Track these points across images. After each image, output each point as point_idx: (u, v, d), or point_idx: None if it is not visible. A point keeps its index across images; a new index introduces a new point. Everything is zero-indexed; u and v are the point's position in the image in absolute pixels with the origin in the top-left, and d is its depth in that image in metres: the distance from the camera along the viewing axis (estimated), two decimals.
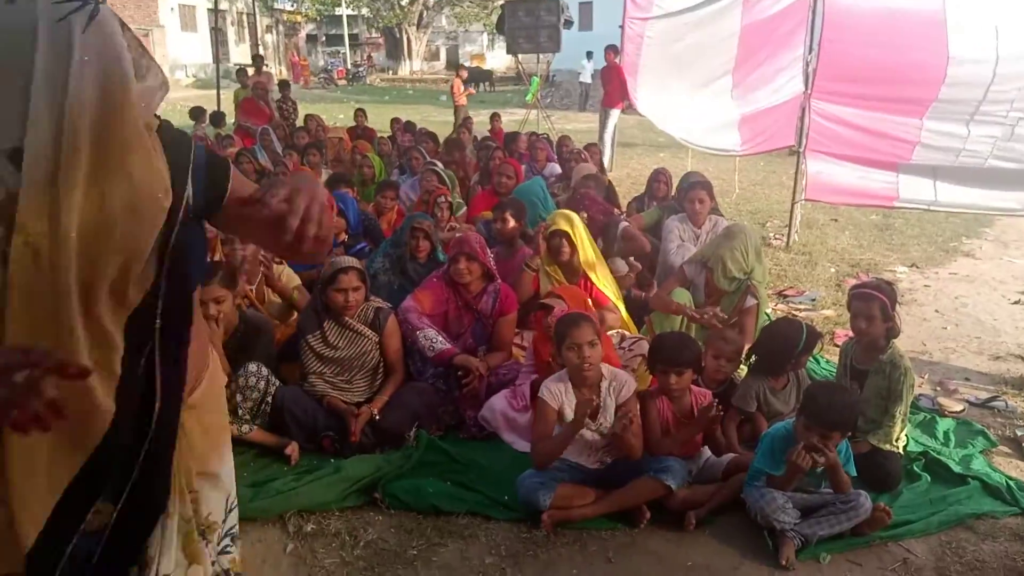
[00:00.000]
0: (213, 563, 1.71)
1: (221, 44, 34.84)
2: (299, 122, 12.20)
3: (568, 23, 17.27)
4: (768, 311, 5.60)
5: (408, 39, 44.55)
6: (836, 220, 8.78)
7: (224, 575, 1.77)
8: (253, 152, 8.39)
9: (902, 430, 3.63)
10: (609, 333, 4.52)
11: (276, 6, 44.52)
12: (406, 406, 3.84)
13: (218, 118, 10.78)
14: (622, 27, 11.14)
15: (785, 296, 6.15)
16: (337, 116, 19.26)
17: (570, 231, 4.49)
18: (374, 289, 4.41)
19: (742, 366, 3.87)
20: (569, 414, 3.28)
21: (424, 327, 4.04)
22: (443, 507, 3.31)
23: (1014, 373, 4.75)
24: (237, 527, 1.82)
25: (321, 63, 42.64)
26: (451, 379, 4.04)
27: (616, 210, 5.58)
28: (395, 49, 46.73)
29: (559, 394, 3.30)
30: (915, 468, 3.64)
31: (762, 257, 4.66)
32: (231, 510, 1.79)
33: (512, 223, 4.98)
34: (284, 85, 12.90)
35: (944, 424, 4.08)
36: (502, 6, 18.53)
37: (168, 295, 1.44)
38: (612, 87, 11.99)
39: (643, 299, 5.00)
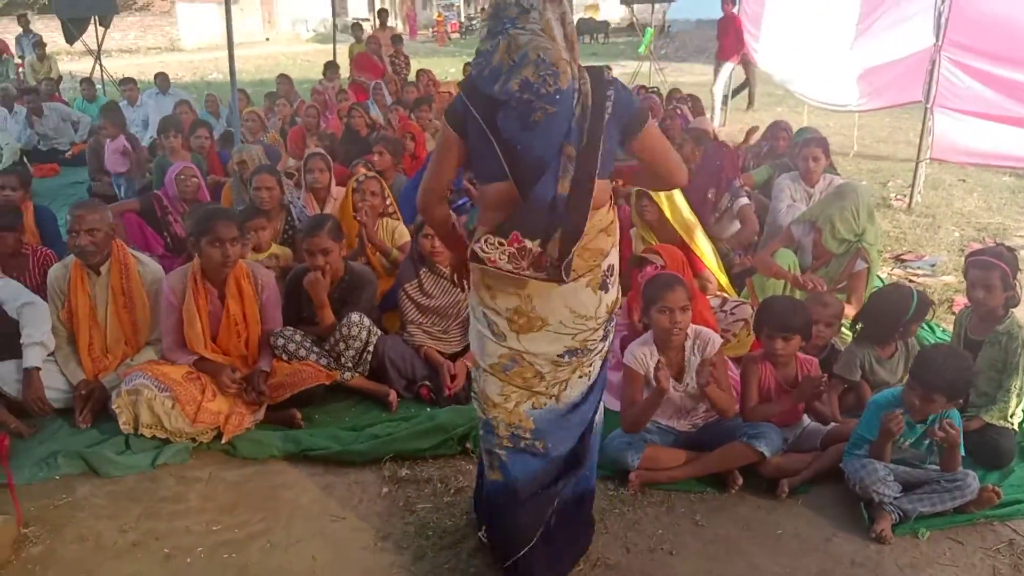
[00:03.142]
0: None
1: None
2: (411, 77, 12.35)
3: None
4: (882, 276, 5.37)
5: None
6: (964, 181, 8.23)
7: None
8: (365, 107, 8.53)
9: (1018, 405, 3.43)
10: (708, 297, 4.45)
11: None
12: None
13: (331, 69, 11.07)
14: None
15: (903, 261, 5.85)
16: (448, 70, 19.39)
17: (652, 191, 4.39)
18: None
19: (846, 332, 3.72)
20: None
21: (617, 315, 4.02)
22: None
23: None
24: None
25: (432, 16, 42.76)
26: None
27: (736, 179, 5.31)
28: None
29: (644, 358, 3.27)
30: None
31: (875, 219, 4.45)
32: None
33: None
34: (397, 40, 13.04)
35: None
36: None
37: None
38: (728, 39, 11.52)
39: (745, 264, 4.85)
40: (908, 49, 6.98)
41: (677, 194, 4.46)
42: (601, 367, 2.58)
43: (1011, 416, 3.41)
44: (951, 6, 6.39)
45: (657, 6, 18.35)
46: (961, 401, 2.97)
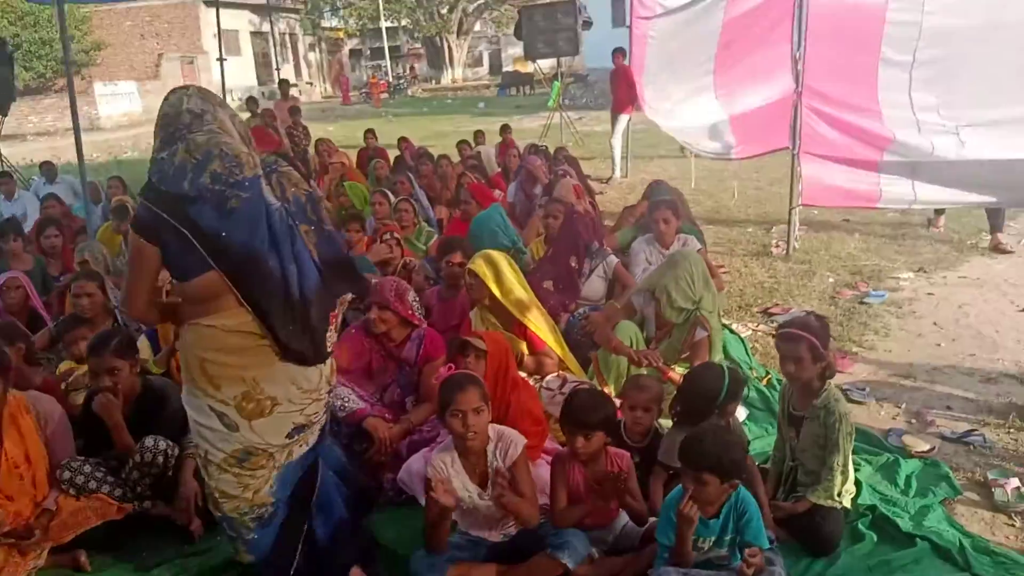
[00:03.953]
0: None
1: (265, 66, 35.42)
2: (311, 147, 12.15)
3: (587, 24, 17.00)
4: (744, 335, 5.24)
5: (449, 47, 44.62)
6: (847, 221, 8.25)
7: None
8: None
9: (844, 483, 3.26)
10: (549, 377, 4.26)
11: (323, 24, 45.07)
12: None
13: None
14: (629, 27, 10.82)
15: (771, 314, 5.74)
16: (383, 129, 19.28)
17: (485, 271, 4.21)
18: None
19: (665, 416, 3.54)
20: (459, 487, 3.03)
21: (336, 385, 3.82)
22: None
23: (1003, 398, 4.30)
24: None
25: (364, 78, 42.99)
26: (369, 439, 3.82)
27: (593, 243, 5.19)
28: (437, 58, 46.83)
29: (444, 467, 3.04)
30: (860, 526, 3.27)
31: (711, 285, 4.32)
32: None
33: (458, 263, 4.73)
34: (295, 111, 12.87)
35: (908, 467, 3.68)
36: (518, 11, 18.34)
37: None
38: (620, 91, 11.60)
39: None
40: (771, 95, 6.99)
41: (508, 272, 4.28)
42: (320, 436, 2.82)
43: (838, 495, 3.24)
44: (805, 54, 6.42)
45: (565, 58, 18.55)
46: (737, 481, 2.76)
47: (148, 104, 31.52)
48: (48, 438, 3.52)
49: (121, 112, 29.15)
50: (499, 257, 4.36)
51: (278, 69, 23.93)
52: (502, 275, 4.26)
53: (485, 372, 3.44)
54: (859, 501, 3.41)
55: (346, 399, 3.78)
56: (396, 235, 5.33)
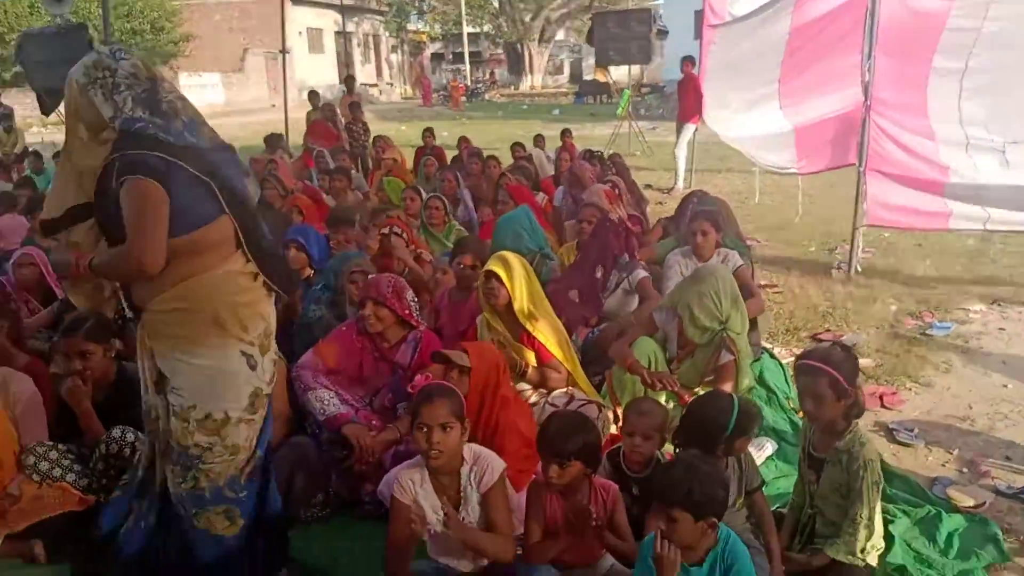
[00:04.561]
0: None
1: (347, 64, 35.92)
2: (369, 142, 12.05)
3: (662, 33, 16.58)
4: (781, 363, 4.79)
5: (530, 54, 44.50)
6: (920, 245, 7.64)
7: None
8: (277, 178, 8.08)
9: (868, 538, 2.84)
10: (556, 393, 3.92)
11: (407, 27, 45.57)
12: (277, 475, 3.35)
13: (272, 141, 10.78)
14: (700, 37, 10.43)
15: (820, 340, 5.26)
16: (442, 134, 19.22)
17: (503, 273, 3.90)
18: (311, 341, 4.01)
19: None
20: (426, 508, 2.72)
21: (317, 387, 3.57)
22: None
23: None
24: (177, 407, 2.54)
25: (444, 81, 43.20)
26: (350, 447, 3.55)
27: (623, 255, 4.82)
28: (517, 64, 46.75)
29: (411, 486, 2.75)
30: None
31: (740, 305, 3.90)
32: (172, 389, 2.54)
33: (470, 265, 4.43)
34: (355, 107, 12.80)
35: (952, 523, 3.21)
36: (591, 18, 18.01)
37: None
38: (688, 100, 11.13)
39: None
40: (838, 107, 6.52)
41: (520, 277, 3.95)
42: None
43: (862, 552, 2.82)
44: (875, 65, 5.92)
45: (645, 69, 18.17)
46: (715, 520, 2.37)
47: (230, 97, 32.36)
48: (17, 418, 3.36)
49: (205, 103, 29.88)
50: (514, 260, 4.03)
51: (348, 66, 24.07)
52: (514, 279, 3.93)
53: (468, 389, 3.14)
54: (888, 559, 2.98)
55: (327, 402, 3.53)
56: (398, 229, 5.00)
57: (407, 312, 3.71)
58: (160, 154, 2.42)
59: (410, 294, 3.77)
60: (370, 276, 3.89)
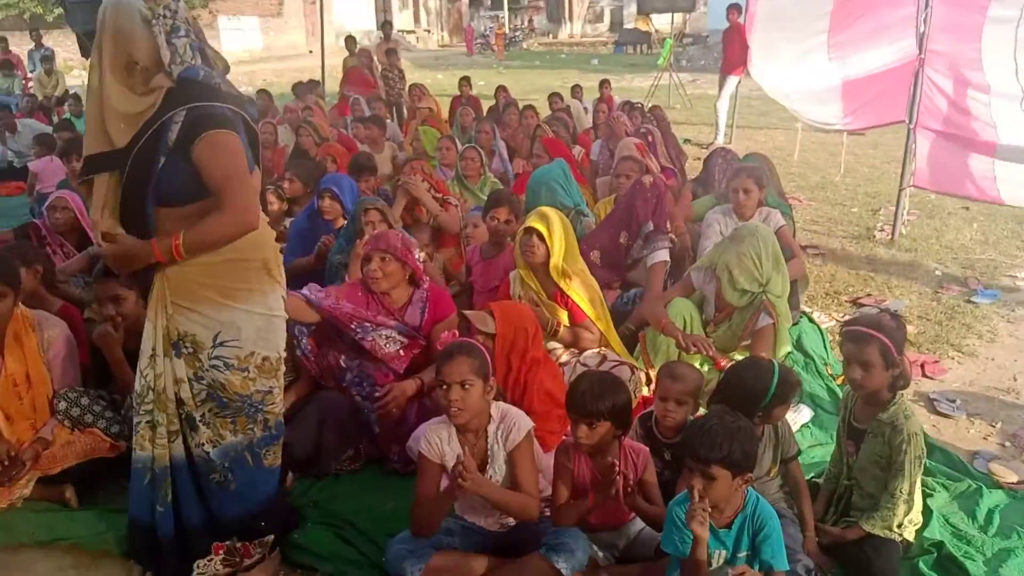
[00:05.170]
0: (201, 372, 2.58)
1: (385, 10, 35.42)
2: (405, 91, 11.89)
3: None
4: (820, 328, 4.66)
5: (569, 1, 43.55)
6: (967, 208, 7.38)
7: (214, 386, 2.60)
8: (314, 126, 8.03)
9: (907, 513, 2.76)
10: (588, 353, 3.85)
11: None
12: (306, 426, 3.34)
13: (303, 89, 10.68)
14: None
15: (861, 305, 5.13)
16: (478, 83, 18.95)
17: (544, 230, 3.79)
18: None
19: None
20: (452, 465, 2.69)
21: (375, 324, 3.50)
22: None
23: None
24: (233, 359, 2.58)
25: (482, 28, 42.52)
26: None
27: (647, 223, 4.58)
28: (556, 11, 45.76)
29: (439, 443, 2.71)
30: (921, 565, 2.76)
31: (782, 267, 3.77)
32: (221, 344, 2.56)
33: (504, 220, 4.32)
34: (391, 53, 12.60)
35: (992, 499, 3.12)
36: None
37: None
38: (732, 50, 10.80)
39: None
40: (890, 59, 6.23)
41: (559, 233, 3.84)
42: None
43: (898, 526, 2.74)
44: (931, 17, 5.64)
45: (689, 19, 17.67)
46: (751, 475, 2.31)
47: (269, 41, 32.10)
48: (49, 361, 3.37)
49: (243, 48, 29.72)
50: (555, 216, 3.92)
51: (386, 11, 23.71)
52: (554, 237, 3.83)
53: (494, 352, 3.08)
54: (925, 534, 2.89)
55: (391, 338, 3.49)
56: (414, 180, 4.92)
57: (415, 264, 3.60)
58: (230, 106, 2.43)
59: (419, 254, 3.67)
60: (375, 232, 3.80)
